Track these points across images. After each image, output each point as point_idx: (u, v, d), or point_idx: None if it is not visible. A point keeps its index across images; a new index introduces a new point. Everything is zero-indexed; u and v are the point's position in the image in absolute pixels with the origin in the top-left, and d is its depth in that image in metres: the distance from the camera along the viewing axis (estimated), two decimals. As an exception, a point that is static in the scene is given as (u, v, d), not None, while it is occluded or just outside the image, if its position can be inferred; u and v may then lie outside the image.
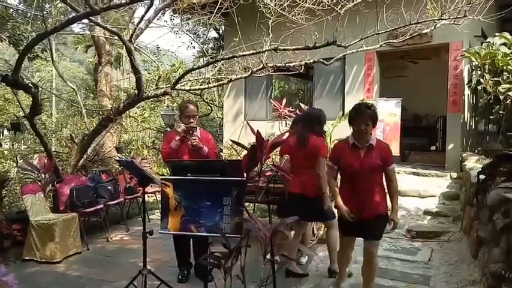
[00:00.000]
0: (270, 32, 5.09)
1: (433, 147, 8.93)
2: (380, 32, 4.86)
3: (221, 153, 8.58)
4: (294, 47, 4.94)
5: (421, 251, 4.41)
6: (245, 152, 2.34)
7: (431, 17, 4.88)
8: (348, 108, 7.46)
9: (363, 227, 3.01)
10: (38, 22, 6.90)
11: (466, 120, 7.12)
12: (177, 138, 3.66)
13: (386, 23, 4.88)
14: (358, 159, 2.97)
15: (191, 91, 6.86)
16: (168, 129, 10.28)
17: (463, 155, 6.46)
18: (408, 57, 8.75)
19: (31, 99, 4.73)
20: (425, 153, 8.30)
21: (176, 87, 5.23)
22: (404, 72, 9.46)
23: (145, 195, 3.87)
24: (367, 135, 2.96)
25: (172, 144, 3.67)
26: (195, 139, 3.62)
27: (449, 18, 4.79)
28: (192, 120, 3.71)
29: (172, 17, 10.65)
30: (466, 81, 6.84)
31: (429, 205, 5.63)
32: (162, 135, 11.61)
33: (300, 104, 8.36)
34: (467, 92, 6.97)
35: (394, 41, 5.59)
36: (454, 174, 6.44)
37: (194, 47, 14.24)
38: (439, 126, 8.57)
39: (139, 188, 5.71)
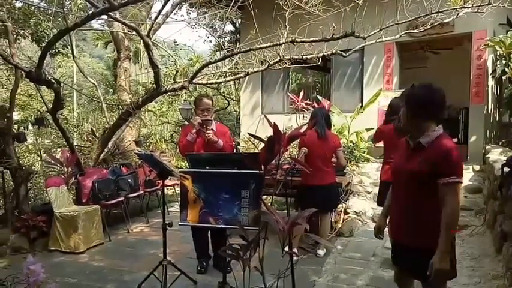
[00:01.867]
0: (286, 24, 5.04)
1: (455, 140, 8.72)
2: (400, 22, 4.76)
3: (238, 147, 8.62)
4: (311, 39, 4.89)
5: (442, 244, 4.33)
6: (263, 145, 2.34)
7: (453, 6, 4.74)
8: (367, 100, 7.42)
9: (401, 256, 2.23)
10: (59, 19, 7.03)
11: (489, 111, 6.91)
12: (193, 131, 3.70)
13: (406, 12, 4.76)
14: (402, 159, 2.17)
15: (208, 85, 6.90)
16: (186, 122, 10.39)
17: (486, 147, 6.29)
18: (429, 48, 8.54)
19: (53, 94, 4.86)
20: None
21: (193, 81, 5.26)
22: (425, 63, 9.24)
23: (165, 188, 3.92)
24: (414, 129, 2.08)
25: (189, 137, 3.72)
26: (209, 133, 3.66)
27: (472, 7, 4.65)
28: (206, 113, 3.74)
29: (189, 11, 10.67)
30: (489, 71, 6.63)
31: (450, 198, 5.51)
32: (180, 129, 11.73)
33: (318, 96, 8.31)
34: (491, 82, 6.76)
35: (415, 31, 5.46)
36: (477, 167, 6.28)
37: (211, 41, 14.26)
38: (461, 117, 8.36)
39: (159, 181, 5.82)
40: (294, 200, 4.36)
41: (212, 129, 3.75)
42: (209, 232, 3.79)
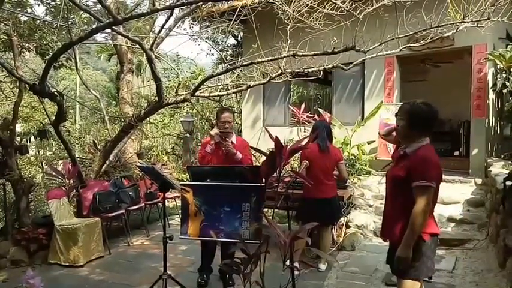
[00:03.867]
0: (288, 38, 5.09)
1: (456, 153, 8.71)
2: (400, 36, 4.79)
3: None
4: (312, 53, 4.93)
5: (445, 259, 4.29)
6: (264, 158, 2.34)
7: (453, 20, 4.78)
8: (368, 113, 7.44)
9: (389, 254, 2.44)
10: (63, 32, 7.12)
11: (491, 124, 6.91)
12: (212, 142, 3.74)
13: (406, 26, 4.81)
14: (392, 166, 2.48)
15: (210, 97, 6.93)
16: (188, 135, 10.42)
17: (488, 160, 6.27)
18: (429, 61, 8.59)
19: (56, 106, 4.89)
20: (448, 159, 8.08)
21: (196, 93, 5.30)
22: (426, 77, 9.28)
23: (166, 201, 3.92)
24: (408, 140, 2.33)
25: (208, 149, 3.77)
26: (228, 144, 3.69)
27: (472, 21, 4.68)
28: (227, 125, 3.79)
29: (192, 25, 10.79)
30: (490, 84, 6.66)
31: (453, 212, 5.48)
32: (182, 141, 11.75)
33: (319, 109, 8.33)
34: (491, 96, 6.77)
35: (415, 44, 5.50)
36: (479, 180, 6.25)
37: (213, 54, 14.41)
38: (463, 131, 8.36)
39: (160, 194, 5.81)
40: (295, 214, 4.34)
41: (232, 141, 3.79)
42: (217, 245, 3.75)
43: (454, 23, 4.74)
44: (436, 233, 2.30)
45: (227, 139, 3.74)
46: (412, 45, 5.51)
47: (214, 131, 3.77)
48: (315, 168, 3.90)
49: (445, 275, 3.87)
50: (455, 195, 5.84)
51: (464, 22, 4.65)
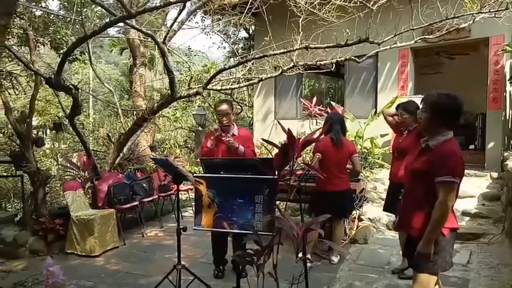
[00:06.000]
0: (300, 30, 5.06)
1: (471, 146, 8.56)
2: (415, 27, 4.73)
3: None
4: (325, 45, 4.89)
5: (459, 252, 4.25)
6: (276, 150, 2.35)
7: (469, 11, 4.69)
8: (381, 106, 7.36)
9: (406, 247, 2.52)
10: (77, 26, 7.19)
11: (507, 117, 6.78)
12: (212, 137, 3.74)
13: (421, 18, 4.73)
14: (412, 159, 2.38)
15: (222, 91, 6.95)
16: (200, 128, 10.48)
17: (505, 154, 6.16)
18: (444, 53, 8.44)
19: (71, 100, 4.96)
20: (463, 152, 7.96)
21: (208, 87, 5.32)
22: (440, 69, 9.13)
23: (179, 193, 3.96)
24: (430, 132, 2.25)
25: (208, 144, 3.76)
26: (229, 139, 3.66)
27: (489, 12, 4.59)
28: (224, 118, 3.75)
29: (203, 18, 10.80)
30: (507, 76, 6.51)
31: (467, 206, 5.41)
32: (194, 134, 11.83)
33: (331, 102, 8.28)
34: (508, 88, 6.63)
35: (430, 36, 5.41)
36: (495, 174, 6.16)
37: (225, 47, 14.39)
38: (478, 124, 8.21)
39: (173, 186, 5.87)
40: (308, 206, 4.35)
41: (233, 134, 3.77)
42: (229, 236, 3.77)
43: (470, 14, 4.65)
44: (455, 228, 2.26)
45: (227, 134, 3.71)
46: (427, 36, 5.43)
47: (214, 126, 3.76)
48: (328, 162, 3.89)
49: (459, 268, 3.84)
50: (470, 189, 5.77)
51: (482, 12, 4.56)
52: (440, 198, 2.09)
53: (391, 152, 6.88)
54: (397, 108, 3.84)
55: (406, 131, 3.73)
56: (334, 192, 3.90)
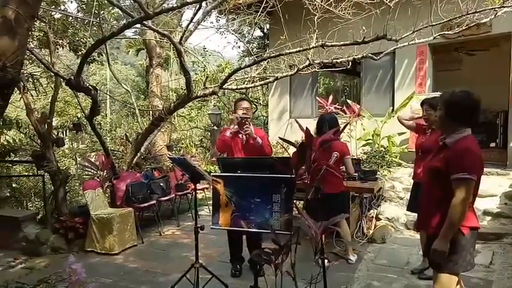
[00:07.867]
0: (316, 28, 5.02)
1: (492, 144, 8.35)
2: (433, 23, 4.62)
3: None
4: (341, 43, 4.83)
5: (481, 253, 4.16)
6: (292, 149, 2.34)
7: (491, 5, 4.56)
8: (398, 103, 7.25)
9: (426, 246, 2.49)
10: (94, 28, 7.31)
11: (530, 114, 6.60)
12: (232, 126, 3.81)
13: (440, 13, 4.63)
14: (431, 157, 2.39)
15: (237, 90, 6.97)
16: (215, 127, 10.52)
17: (528, 152, 6.00)
18: (464, 49, 8.25)
19: (90, 100, 5.04)
20: (484, 150, 7.78)
21: (223, 86, 5.33)
22: (459, 65, 8.93)
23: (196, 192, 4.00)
24: (447, 130, 2.25)
25: (227, 133, 3.81)
26: (248, 127, 3.73)
27: (512, 6, 4.46)
28: (246, 111, 3.83)
29: (218, 18, 10.84)
30: (530, 72, 6.34)
31: (489, 205, 5.28)
32: (209, 133, 11.89)
33: (348, 100, 8.20)
34: (532, 84, 6.45)
35: (449, 32, 5.29)
36: (517, 173, 6.00)
37: (239, 47, 14.42)
38: (500, 121, 8.00)
39: (190, 185, 5.92)
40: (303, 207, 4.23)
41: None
42: (243, 236, 3.79)
43: (492, 8, 4.52)
44: (476, 227, 2.22)
45: (247, 123, 3.77)
46: (446, 32, 5.32)
47: (238, 113, 3.80)
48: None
49: (481, 269, 3.75)
50: (491, 188, 5.63)
51: (504, 7, 4.43)
52: (456, 195, 2.07)
53: (408, 150, 6.80)
54: (422, 104, 3.77)
55: (429, 130, 3.66)
56: (329, 195, 3.74)
